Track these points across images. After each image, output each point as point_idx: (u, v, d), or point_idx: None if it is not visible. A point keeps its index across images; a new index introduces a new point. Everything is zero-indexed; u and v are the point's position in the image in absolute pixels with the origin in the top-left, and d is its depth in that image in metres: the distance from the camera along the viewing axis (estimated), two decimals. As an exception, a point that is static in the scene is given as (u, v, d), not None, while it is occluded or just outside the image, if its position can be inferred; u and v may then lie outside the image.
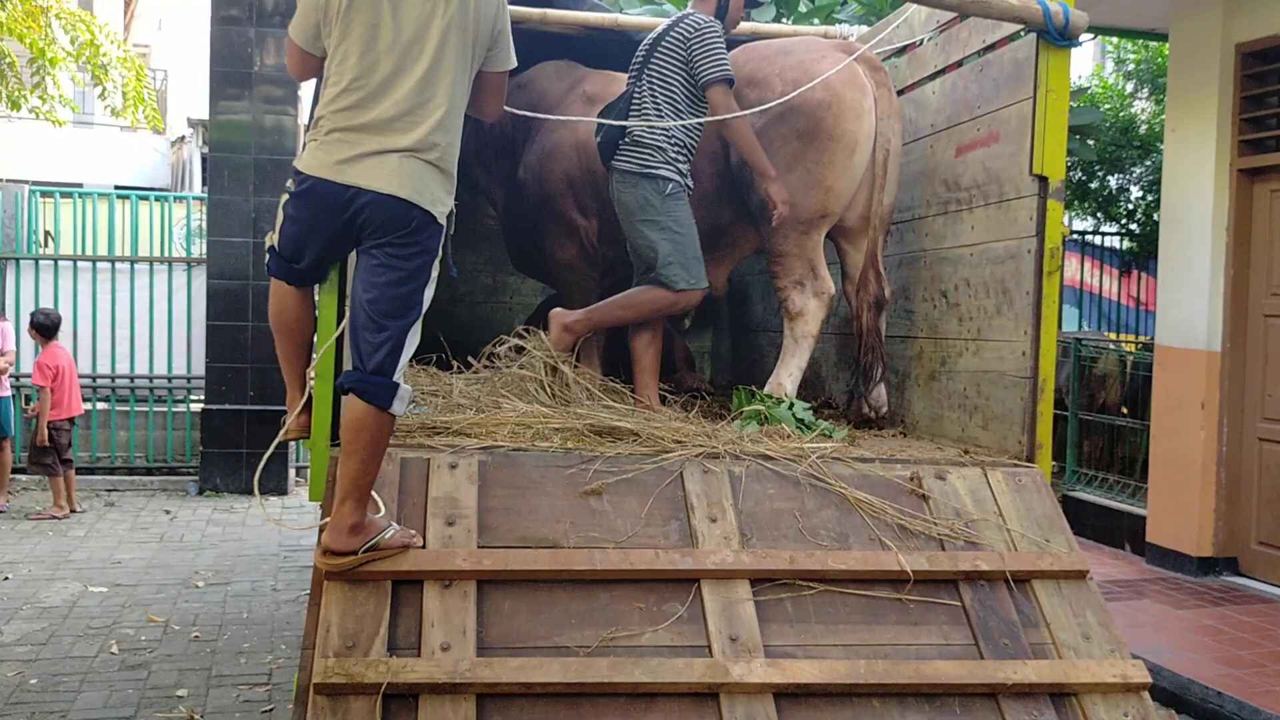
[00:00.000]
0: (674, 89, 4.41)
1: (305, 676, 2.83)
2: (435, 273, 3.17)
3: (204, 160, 13.62)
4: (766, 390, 4.55)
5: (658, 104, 4.40)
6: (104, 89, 10.91)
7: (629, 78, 4.58)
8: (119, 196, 10.46)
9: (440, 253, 3.19)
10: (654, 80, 4.43)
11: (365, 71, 3.07)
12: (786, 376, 4.59)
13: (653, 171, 4.38)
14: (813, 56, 4.55)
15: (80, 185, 13.79)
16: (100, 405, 9.84)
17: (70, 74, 10.89)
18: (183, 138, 17.80)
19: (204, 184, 11.97)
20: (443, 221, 3.16)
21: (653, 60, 4.45)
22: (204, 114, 10.61)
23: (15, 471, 9.14)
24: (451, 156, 3.18)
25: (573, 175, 5.24)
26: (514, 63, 3.38)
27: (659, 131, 4.37)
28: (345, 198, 3.06)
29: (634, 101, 4.45)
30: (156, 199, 10.49)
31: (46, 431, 8.26)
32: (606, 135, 4.48)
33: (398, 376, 3.07)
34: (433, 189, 3.11)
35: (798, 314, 4.59)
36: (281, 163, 9.21)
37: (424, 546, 3.12)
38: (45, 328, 8.50)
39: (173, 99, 20.23)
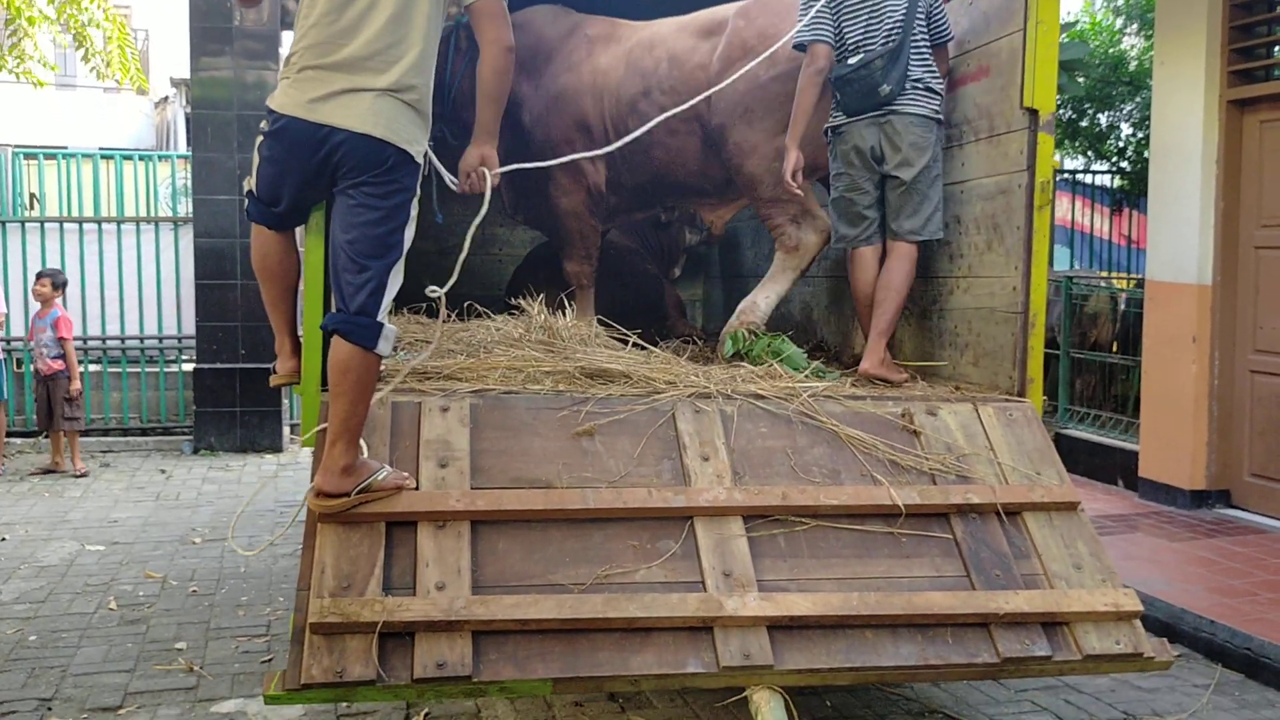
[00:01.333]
0: (924, 40, 4.25)
1: (301, 617, 2.84)
2: (414, 212, 3.14)
3: (188, 119, 13.50)
4: (741, 308, 4.63)
5: (923, 55, 4.23)
6: (86, 50, 10.77)
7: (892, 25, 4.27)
8: (103, 157, 10.37)
9: (419, 191, 3.15)
10: (918, 31, 4.21)
11: (336, 7, 3.03)
12: (763, 298, 4.68)
13: (941, 120, 4.26)
14: None
15: (65, 147, 13.67)
16: (92, 367, 9.81)
17: (53, 34, 10.74)
18: (166, 98, 17.64)
19: (189, 143, 11.85)
20: (420, 161, 3.13)
21: (917, 9, 4.22)
22: (187, 73, 10.49)
23: (10, 435, 9.14)
24: (427, 98, 3.14)
25: (586, 120, 5.21)
26: None
27: (938, 77, 4.24)
28: (319, 136, 3.02)
29: (912, 50, 4.19)
30: (141, 159, 10.40)
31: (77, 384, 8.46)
32: (897, 78, 4.16)
33: (381, 317, 3.05)
34: (408, 128, 3.07)
35: (794, 247, 4.67)
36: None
37: (417, 488, 3.13)
38: (61, 285, 8.64)
39: (155, 59, 20.00)
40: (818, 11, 4.32)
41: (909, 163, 4.17)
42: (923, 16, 4.22)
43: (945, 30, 4.26)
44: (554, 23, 5.50)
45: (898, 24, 4.18)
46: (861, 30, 4.27)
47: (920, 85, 4.17)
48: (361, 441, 3.15)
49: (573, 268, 5.53)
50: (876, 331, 4.21)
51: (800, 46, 4.36)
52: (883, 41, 4.19)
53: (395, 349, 3.50)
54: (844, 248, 4.48)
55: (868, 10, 4.27)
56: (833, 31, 4.33)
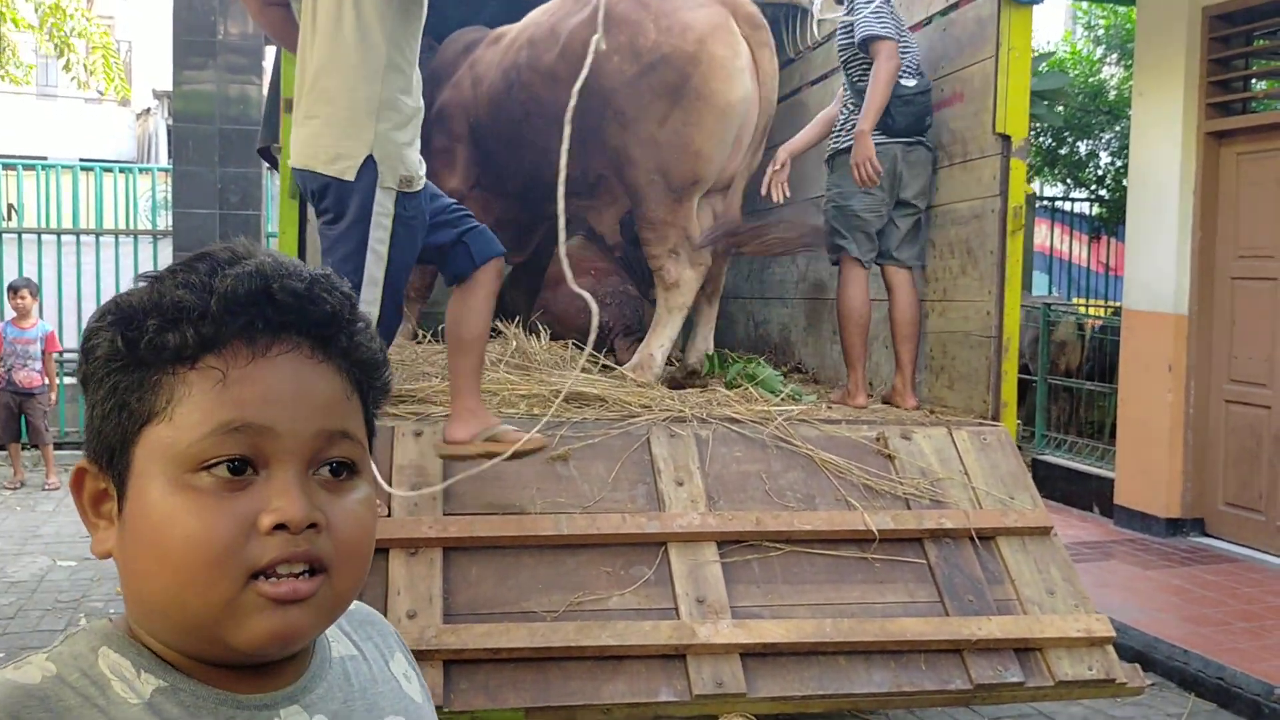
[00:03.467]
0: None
1: (269, 644, 2.81)
2: (379, 239, 2.97)
3: (170, 132, 13.46)
4: (635, 361, 4.41)
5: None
6: (68, 60, 10.74)
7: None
8: (83, 168, 10.33)
9: (372, 210, 2.96)
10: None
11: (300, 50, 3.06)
12: (658, 347, 4.40)
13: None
14: (689, 4, 4.26)
15: (45, 158, 13.60)
16: (69, 380, 9.72)
17: (38, 42, 10.70)
18: (148, 110, 17.59)
19: (170, 156, 11.81)
20: (348, 177, 2.95)
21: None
22: (169, 85, 10.46)
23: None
24: (345, 100, 2.97)
25: (457, 131, 5.06)
26: None
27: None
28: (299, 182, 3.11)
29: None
30: (121, 170, 10.36)
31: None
32: (921, 108, 4.16)
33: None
34: (325, 147, 2.97)
35: (674, 284, 4.38)
36: (246, 133, 9.09)
37: (389, 515, 3.10)
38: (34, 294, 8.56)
39: (138, 71, 19.95)
40: (892, 10, 4.13)
41: (925, 194, 4.22)
42: None
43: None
44: (452, 44, 5.37)
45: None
46: (911, 55, 4.21)
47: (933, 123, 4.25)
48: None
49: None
50: (911, 363, 4.19)
51: (868, 41, 4.07)
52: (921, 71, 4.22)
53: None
54: (868, 262, 4.31)
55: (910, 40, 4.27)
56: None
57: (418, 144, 3.13)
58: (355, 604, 0.98)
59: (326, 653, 0.89)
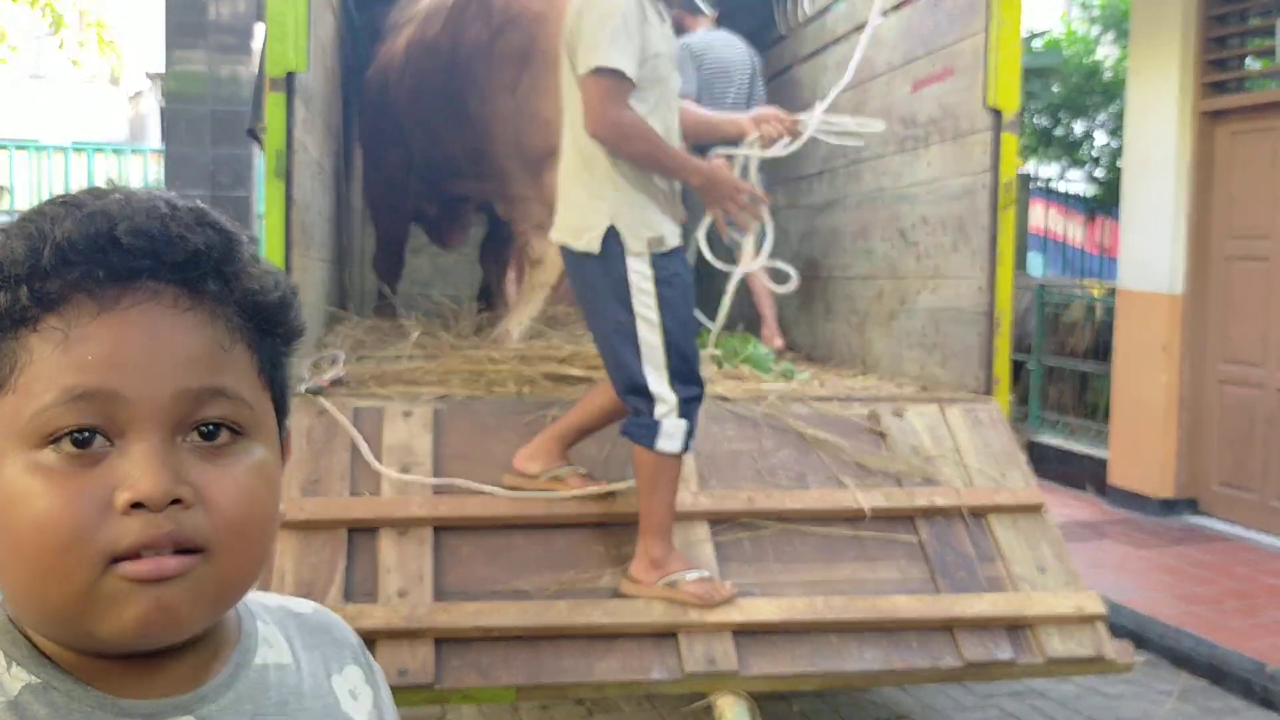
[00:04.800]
0: None
1: (259, 625, 2.80)
2: (645, 305, 2.95)
3: (162, 113, 13.38)
4: (493, 339, 4.28)
5: None
6: (61, 39, 10.67)
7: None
8: (75, 150, 10.28)
9: (625, 268, 2.95)
10: None
11: None
12: (515, 325, 4.26)
13: None
14: None
15: (36, 140, 13.53)
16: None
17: (32, 5, 10.62)
18: (140, 91, 17.49)
19: (162, 137, 11.75)
20: (594, 249, 2.96)
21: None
22: (160, 68, 10.40)
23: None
24: (583, 175, 3.02)
25: (384, 113, 4.92)
26: (592, 63, 2.91)
27: None
28: None
29: None
30: (113, 152, 10.31)
31: None
32: None
33: (658, 411, 2.93)
34: (571, 223, 3.05)
35: (537, 261, 4.25)
36: (238, 114, 9.03)
37: (379, 494, 3.10)
38: None
39: (129, 52, 19.80)
40: None
41: None
42: None
43: None
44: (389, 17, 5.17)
45: None
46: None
47: None
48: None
49: (383, 264, 5.30)
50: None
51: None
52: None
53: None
54: None
55: None
56: None
57: (666, 201, 3.06)
58: (314, 609, 0.89)
59: (246, 658, 0.79)
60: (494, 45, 4.04)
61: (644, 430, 2.93)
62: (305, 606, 0.89)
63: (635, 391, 2.94)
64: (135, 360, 0.68)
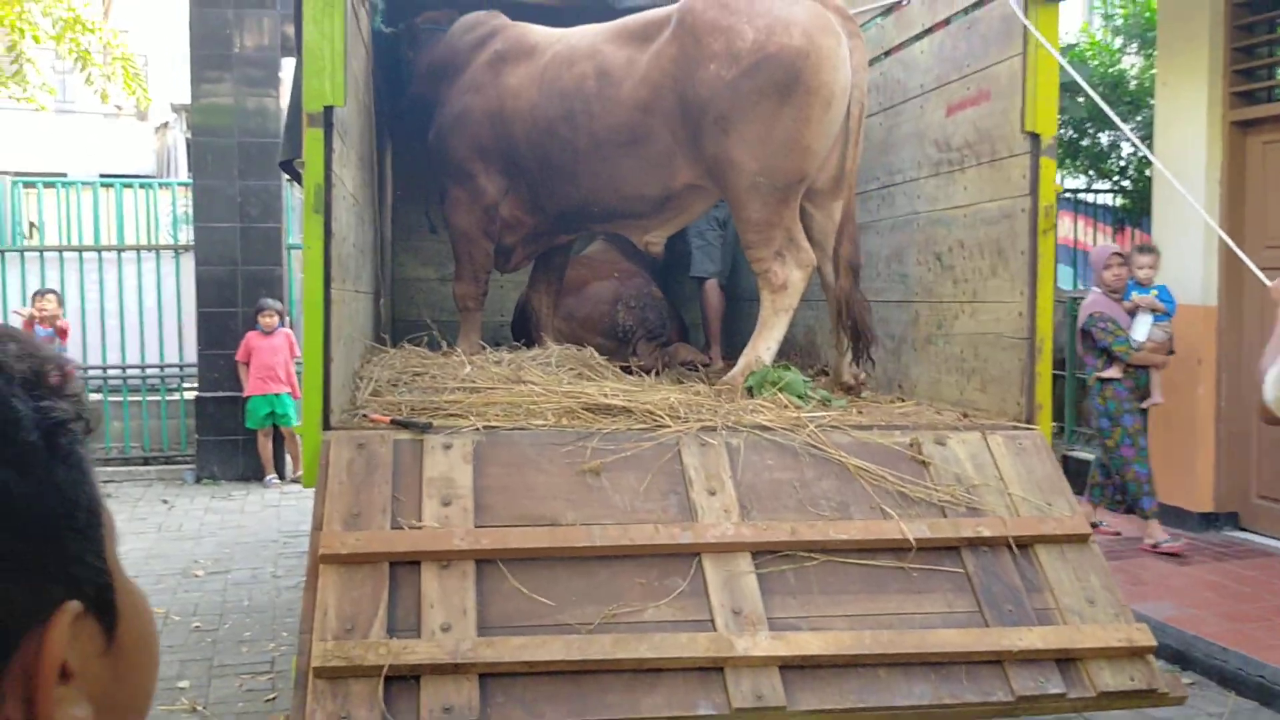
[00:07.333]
0: None
1: (304, 660, 2.80)
2: None
3: (189, 145, 13.50)
4: (741, 363, 4.39)
5: None
6: (89, 73, 10.79)
7: None
8: (103, 185, 10.36)
9: None
10: None
11: None
12: (765, 349, 4.38)
13: None
14: (780, 2, 4.22)
15: (64, 174, 13.67)
16: (93, 396, 9.77)
17: (58, 55, 10.77)
18: (166, 123, 17.66)
19: (189, 169, 11.85)
20: None
21: None
22: (186, 99, 10.50)
23: None
24: None
25: (484, 144, 4.97)
26: None
27: None
28: None
29: None
30: (141, 186, 10.39)
31: None
32: None
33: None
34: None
35: (781, 286, 4.35)
36: (266, 146, 9.11)
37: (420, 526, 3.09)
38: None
39: (154, 84, 20.02)
40: None
41: None
42: None
43: None
44: (468, 33, 5.24)
45: None
46: None
47: None
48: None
49: (460, 289, 5.32)
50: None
51: None
52: None
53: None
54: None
55: None
56: None
57: None
58: None
59: None
60: (744, 82, 4.17)
61: None
62: None
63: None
64: None
